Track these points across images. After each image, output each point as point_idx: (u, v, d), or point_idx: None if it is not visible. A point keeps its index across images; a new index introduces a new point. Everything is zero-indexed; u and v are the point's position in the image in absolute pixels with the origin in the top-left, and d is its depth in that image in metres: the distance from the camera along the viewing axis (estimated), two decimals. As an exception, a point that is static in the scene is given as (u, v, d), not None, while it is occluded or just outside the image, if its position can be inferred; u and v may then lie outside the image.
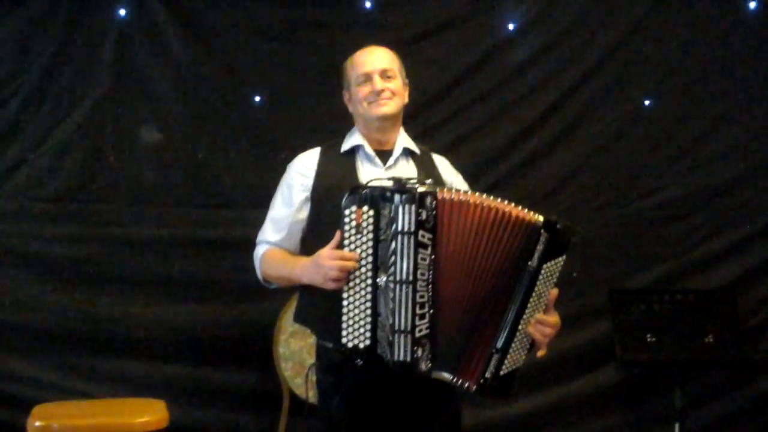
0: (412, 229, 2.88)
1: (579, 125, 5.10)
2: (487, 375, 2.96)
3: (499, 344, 2.96)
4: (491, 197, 2.97)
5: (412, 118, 4.73)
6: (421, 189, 2.91)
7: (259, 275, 3.32)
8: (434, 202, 2.90)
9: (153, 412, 4.28)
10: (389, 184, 2.95)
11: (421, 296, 2.91)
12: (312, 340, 4.49)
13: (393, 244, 2.89)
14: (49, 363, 4.80)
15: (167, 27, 4.85)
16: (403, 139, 3.34)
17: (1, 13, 4.77)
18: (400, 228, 2.88)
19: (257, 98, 4.93)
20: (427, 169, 3.32)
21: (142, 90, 4.88)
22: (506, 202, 2.96)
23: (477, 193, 2.97)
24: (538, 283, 2.95)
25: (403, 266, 2.89)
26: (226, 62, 4.92)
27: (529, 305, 2.96)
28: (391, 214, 2.89)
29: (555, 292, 3.03)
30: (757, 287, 5.14)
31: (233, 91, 4.93)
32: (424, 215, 2.89)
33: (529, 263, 2.94)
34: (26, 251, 4.80)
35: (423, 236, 2.89)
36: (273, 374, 4.73)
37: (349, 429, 3.15)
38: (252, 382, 4.92)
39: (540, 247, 2.93)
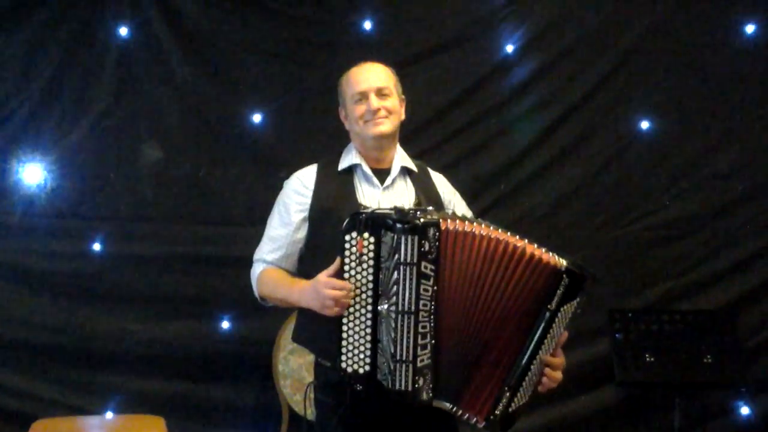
0: (414, 260, 2.86)
1: (577, 146, 5.12)
2: (497, 411, 2.96)
3: (512, 382, 2.96)
4: (498, 228, 2.96)
5: (411, 137, 4.78)
6: (423, 219, 2.87)
7: (257, 294, 3.30)
8: (437, 233, 2.87)
9: (152, 428, 4.27)
10: (391, 212, 2.92)
11: (423, 327, 2.89)
12: (311, 357, 4.46)
13: (395, 274, 2.87)
14: (47, 379, 4.81)
15: (168, 45, 4.89)
16: (400, 157, 3.31)
17: (3, 32, 4.81)
18: (402, 259, 2.85)
19: (257, 116, 4.94)
20: (424, 188, 3.30)
21: (143, 107, 4.91)
22: (517, 236, 2.95)
23: (483, 223, 2.96)
24: (554, 324, 2.95)
25: (405, 297, 2.87)
26: (227, 80, 4.96)
27: (543, 346, 2.96)
28: (393, 244, 2.86)
29: (565, 335, 3.03)
30: (755, 308, 5.15)
31: (234, 108, 4.95)
32: (426, 246, 2.86)
33: (549, 306, 2.93)
34: (26, 267, 4.82)
35: (425, 267, 2.87)
36: (272, 391, 4.73)
37: (348, 449, 3.15)
38: (251, 399, 4.92)
39: (560, 291, 2.92)
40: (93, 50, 4.87)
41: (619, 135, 5.14)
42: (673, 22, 5.11)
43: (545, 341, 2.96)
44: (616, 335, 4.84)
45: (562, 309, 2.94)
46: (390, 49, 4.92)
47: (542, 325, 2.94)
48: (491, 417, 2.96)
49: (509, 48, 5.06)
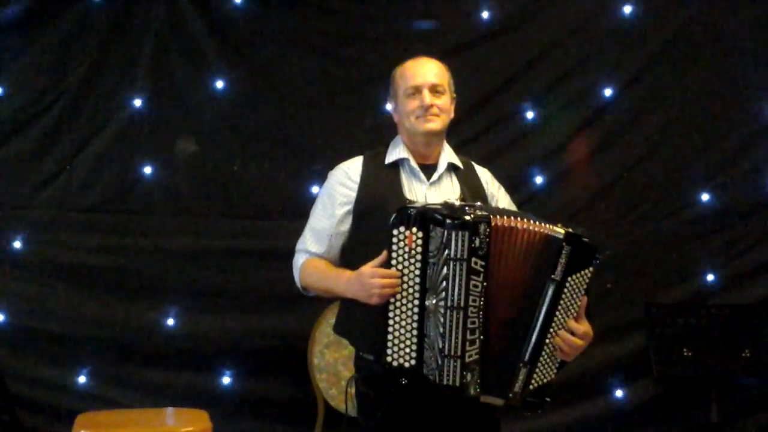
0: (465, 256, 2.86)
1: (615, 138, 5.09)
2: (516, 389, 2.94)
3: (527, 357, 2.94)
4: (539, 221, 2.96)
5: (450, 129, 4.76)
6: (473, 215, 2.87)
7: (298, 284, 3.28)
8: (488, 230, 2.87)
9: (197, 422, 4.25)
10: (440, 207, 2.92)
11: (473, 322, 2.89)
12: (347, 351, 4.50)
13: (444, 270, 2.87)
14: (87, 373, 4.82)
15: (204, 39, 4.88)
16: (447, 154, 3.29)
17: (38, 25, 4.81)
18: (452, 254, 2.86)
19: (290, 110, 4.94)
20: (469, 185, 3.28)
21: (179, 101, 4.90)
22: (549, 225, 2.95)
23: (525, 218, 2.96)
24: (563, 295, 2.93)
25: (455, 292, 2.87)
26: (263, 74, 4.95)
27: (555, 318, 2.94)
28: (443, 240, 2.86)
29: (585, 300, 3.00)
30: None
31: (269, 102, 4.94)
32: (477, 242, 2.86)
33: (553, 276, 2.91)
34: (63, 261, 4.84)
35: (475, 263, 2.87)
36: (308, 385, 4.73)
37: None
38: (288, 393, 4.92)
39: (563, 260, 2.90)
40: (128, 44, 4.87)
41: (656, 127, 5.09)
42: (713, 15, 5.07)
43: (557, 313, 2.93)
44: (654, 329, 4.82)
45: (569, 279, 2.92)
46: (429, 40, 4.88)
47: (550, 296, 2.92)
48: (510, 396, 2.94)
49: (548, 39, 5.03)
